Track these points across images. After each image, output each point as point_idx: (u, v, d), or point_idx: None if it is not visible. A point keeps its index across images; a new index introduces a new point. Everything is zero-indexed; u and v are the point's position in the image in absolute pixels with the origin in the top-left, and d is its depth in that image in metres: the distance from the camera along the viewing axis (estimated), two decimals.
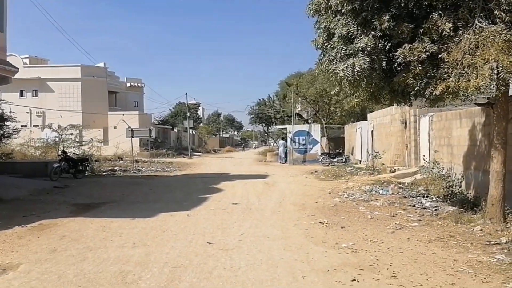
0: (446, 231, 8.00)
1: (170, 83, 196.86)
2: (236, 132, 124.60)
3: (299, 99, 39.34)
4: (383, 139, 22.68)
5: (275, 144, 71.64)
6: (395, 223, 8.89)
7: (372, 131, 25.05)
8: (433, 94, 7.66)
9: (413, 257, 6.34)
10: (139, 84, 61.59)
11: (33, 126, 47.00)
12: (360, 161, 28.39)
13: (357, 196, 12.83)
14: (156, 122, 62.75)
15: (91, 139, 28.61)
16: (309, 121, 43.63)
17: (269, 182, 18.46)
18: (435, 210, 10.05)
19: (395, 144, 20.41)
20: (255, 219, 9.88)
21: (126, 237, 8.02)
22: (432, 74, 7.82)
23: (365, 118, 33.19)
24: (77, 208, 11.73)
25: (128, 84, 59.80)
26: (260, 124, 70.90)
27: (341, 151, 31.61)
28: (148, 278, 5.56)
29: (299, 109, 43.32)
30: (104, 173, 23.63)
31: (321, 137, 34.95)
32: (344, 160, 30.24)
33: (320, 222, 9.24)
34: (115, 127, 45.42)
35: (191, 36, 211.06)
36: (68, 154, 20.24)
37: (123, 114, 46.98)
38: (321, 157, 31.02)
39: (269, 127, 71.81)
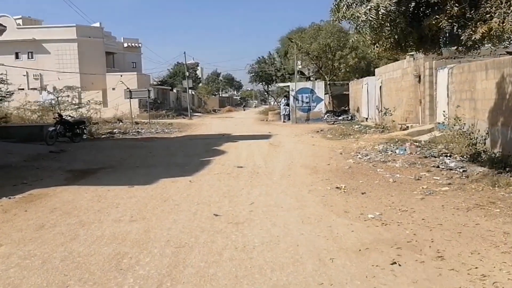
0: (483, 196, 7.10)
1: (168, 43, 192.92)
2: (235, 92, 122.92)
3: (301, 55, 37.85)
4: (393, 95, 21.60)
5: (275, 103, 70.46)
6: (422, 188, 8.00)
7: (380, 86, 23.91)
8: (472, 38, 6.59)
9: (455, 230, 5.45)
10: (137, 44, 59.92)
11: (31, 89, 45.88)
12: (367, 118, 27.42)
13: (372, 157, 11.92)
14: (155, 83, 61.35)
15: (89, 101, 27.48)
16: (311, 78, 42.30)
17: (274, 142, 17.54)
18: (463, 171, 9.13)
19: (407, 100, 19.35)
20: (264, 184, 8.99)
21: (123, 209, 7.16)
22: (470, 16, 6.73)
23: (370, 74, 31.97)
24: (72, 175, 10.86)
25: (125, 45, 58.19)
26: (260, 83, 69.44)
27: (346, 108, 30.54)
28: (147, 263, 4.70)
29: (301, 66, 41.83)
30: (103, 136, 22.72)
31: (325, 94, 33.78)
32: (349, 118, 29.26)
33: (337, 187, 8.35)
34: (113, 89, 44.26)
35: None
36: (64, 117, 19.24)
37: (121, 75, 45.62)
38: (326, 115, 30.05)
39: (270, 86, 70.35)
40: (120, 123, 31.96)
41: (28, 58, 48.62)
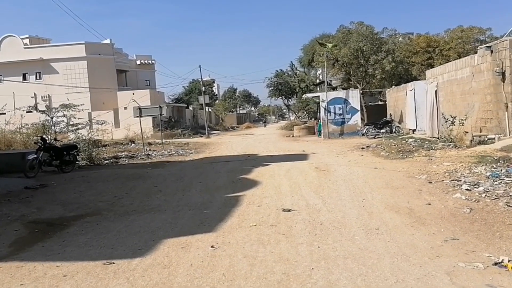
0: None
1: (182, 58, 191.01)
2: (253, 108, 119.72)
3: (329, 62, 33.72)
4: (457, 100, 17.40)
5: (297, 118, 66.31)
6: None
7: (435, 91, 19.73)
8: None
9: None
10: (150, 61, 57.02)
11: (40, 111, 42.81)
12: (414, 130, 23.28)
13: (488, 188, 7.77)
14: (170, 101, 58.09)
15: (89, 120, 23.72)
16: (337, 88, 38.21)
17: (319, 165, 13.44)
18: None
19: (482, 104, 15.16)
20: (346, 255, 4.92)
21: None
22: None
23: (409, 80, 27.89)
24: (29, 233, 7.02)
25: (138, 62, 55.38)
26: (280, 97, 65.61)
27: (389, 119, 26.29)
28: None
29: (330, 74, 37.66)
30: (105, 162, 18.84)
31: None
32: (392, 130, 25.06)
33: (495, 263, 4.30)
34: (125, 108, 40.82)
35: (200, 10, 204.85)
36: (49, 141, 15.48)
37: (133, 93, 42.33)
38: (365, 128, 25.88)
39: (290, 100, 66.32)
40: (132, 144, 28.51)
41: (36, 78, 46.13)
